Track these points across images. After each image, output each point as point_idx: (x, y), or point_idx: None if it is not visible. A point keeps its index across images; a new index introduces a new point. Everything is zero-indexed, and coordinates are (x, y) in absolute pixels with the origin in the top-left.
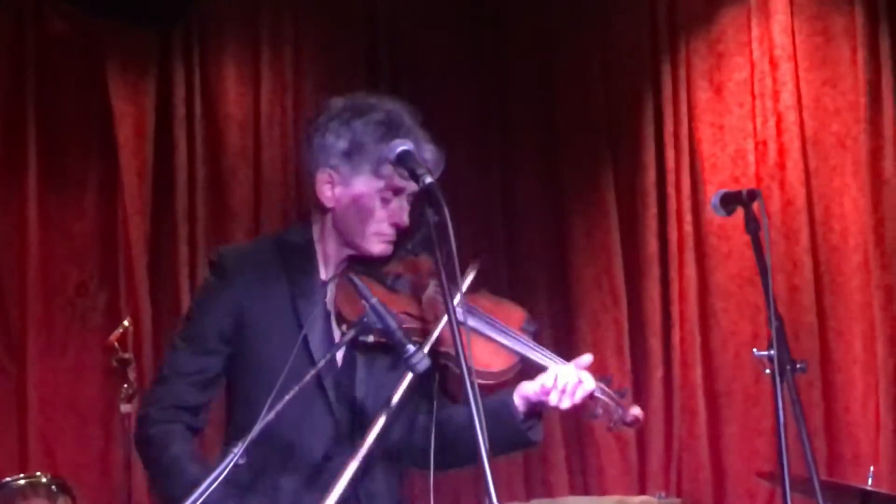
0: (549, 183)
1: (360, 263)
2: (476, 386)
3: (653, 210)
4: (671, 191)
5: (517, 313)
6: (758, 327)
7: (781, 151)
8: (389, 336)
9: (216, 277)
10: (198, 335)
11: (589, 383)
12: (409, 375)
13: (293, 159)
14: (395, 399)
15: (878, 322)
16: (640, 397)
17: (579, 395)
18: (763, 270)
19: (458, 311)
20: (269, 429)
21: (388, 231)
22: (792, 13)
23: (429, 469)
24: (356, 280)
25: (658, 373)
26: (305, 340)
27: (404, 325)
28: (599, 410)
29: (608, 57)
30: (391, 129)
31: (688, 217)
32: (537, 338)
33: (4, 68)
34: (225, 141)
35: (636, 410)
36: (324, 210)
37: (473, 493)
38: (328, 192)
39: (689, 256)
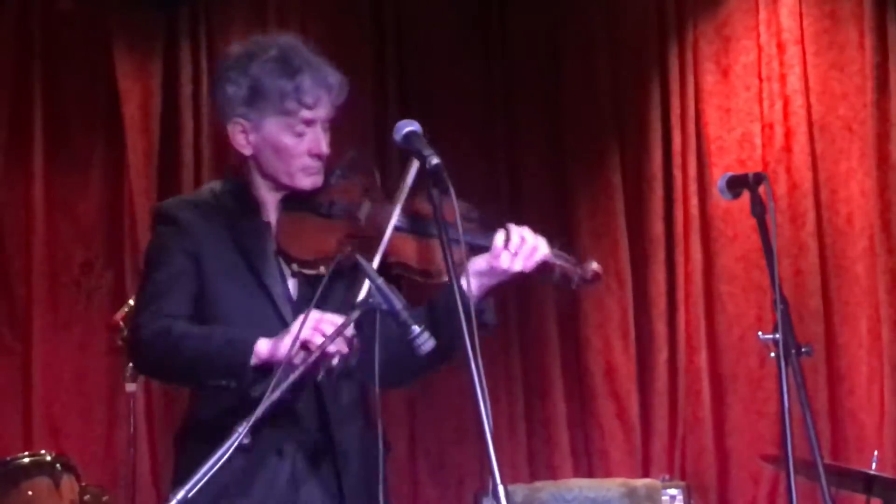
0: (554, 166)
1: (295, 200)
2: (481, 371)
3: (659, 193)
4: (677, 174)
5: (455, 206)
6: (763, 311)
7: (788, 135)
8: (395, 317)
9: (167, 226)
10: (168, 262)
11: (542, 245)
12: (365, 288)
13: None
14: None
15: (884, 306)
16: (644, 380)
17: (535, 258)
18: (769, 254)
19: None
20: None
21: (313, 163)
22: None
23: (386, 385)
24: (361, 260)
25: (663, 356)
26: (261, 282)
27: (351, 242)
28: (557, 275)
29: (615, 40)
30: (287, 63)
31: (694, 200)
32: (485, 224)
33: (11, 48)
34: None
35: (594, 265)
36: (244, 159)
37: (477, 474)
38: (243, 140)
39: (695, 239)
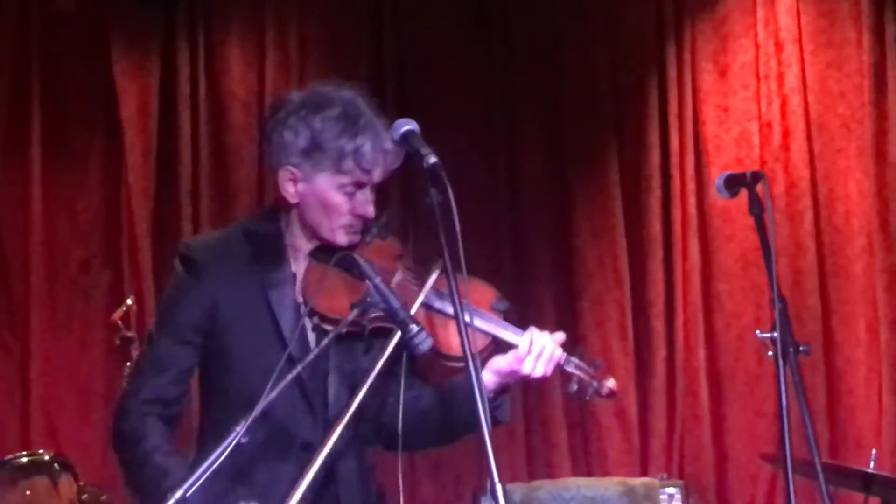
0: (553, 164)
1: (327, 251)
2: (480, 372)
3: (657, 192)
4: (675, 172)
5: (487, 292)
6: (761, 309)
7: (786, 134)
8: (392, 315)
9: (187, 272)
10: (174, 328)
11: (558, 352)
12: (385, 356)
13: None
14: (371, 378)
15: (882, 305)
16: (642, 379)
17: (552, 364)
18: (766, 253)
19: (459, 301)
20: (242, 420)
21: (356, 223)
22: None
23: (397, 450)
24: (359, 259)
25: (661, 354)
26: (279, 332)
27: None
28: (575, 385)
29: (613, 39)
30: (350, 124)
31: (692, 199)
32: (508, 317)
33: (10, 47)
34: (229, 120)
35: (611, 383)
36: (289, 206)
37: (476, 474)
38: (291, 188)
39: (693, 238)
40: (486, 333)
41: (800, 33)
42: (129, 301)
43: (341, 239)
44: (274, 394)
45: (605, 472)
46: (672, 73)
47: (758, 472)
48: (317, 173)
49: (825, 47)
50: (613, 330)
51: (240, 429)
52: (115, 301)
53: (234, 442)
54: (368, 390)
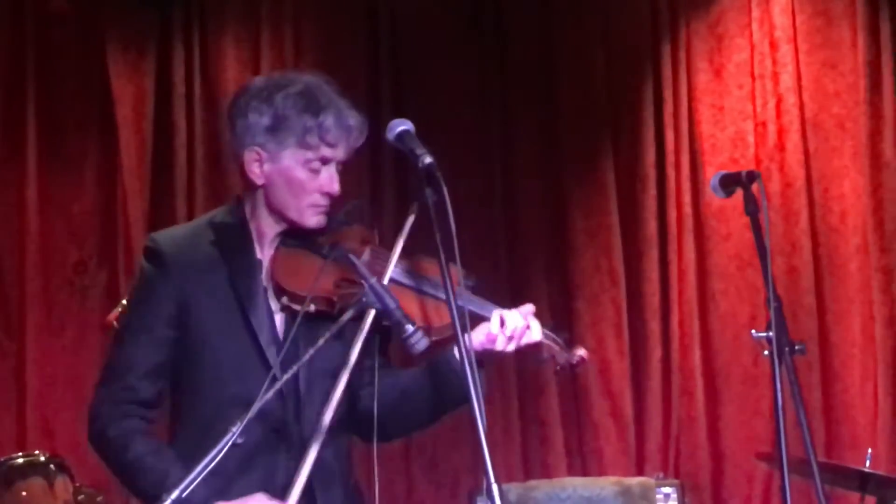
0: (548, 164)
1: (294, 237)
2: (475, 367)
3: (652, 191)
4: (670, 172)
5: (454, 271)
6: (756, 309)
7: (781, 133)
8: (389, 315)
9: (153, 266)
10: (143, 326)
11: (535, 330)
12: (359, 342)
13: None
14: (349, 368)
15: (877, 304)
16: (638, 378)
17: (525, 340)
18: (762, 252)
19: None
20: (215, 411)
21: (322, 202)
22: None
23: (372, 440)
24: (354, 259)
25: (656, 354)
26: (247, 320)
27: (341, 293)
28: (545, 355)
29: (608, 38)
30: (312, 100)
31: (687, 198)
32: (477, 292)
33: (4, 47)
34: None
35: (581, 351)
36: (254, 188)
37: (472, 474)
38: (257, 169)
39: (688, 238)
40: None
41: (795, 33)
42: (124, 302)
43: (309, 220)
44: (269, 394)
45: (601, 472)
46: (667, 72)
47: (754, 472)
48: (282, 151)
49: (820, 47)
50: (609, 329)
51: (235, 430)
52: (110, 302)
53: (230, 443)
54: (348, 378)
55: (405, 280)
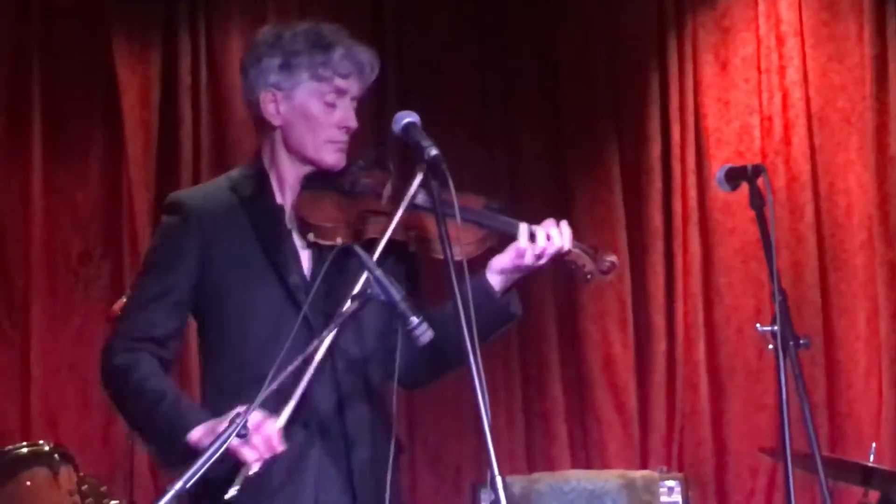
0: (553, 158)
1: (315, 178)
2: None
3: (657, 185)
4: (676, 165)
5: (479, 199)
6: (761, 303)
7: (787, 127)
8: (393, 308)
9: (174, 216)
10: (162, 266)
11: (566, 237)
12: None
13: None
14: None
15: (882, 298)
16: (642, 372)
17: (554, 249)
18: (767, 246)
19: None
20: (246, 360)
21: (340, 137)
22: None
23: (413, 385)
24: (359, 251)
25: (661, 347)
26: (278, 269)
27: (367, 224)
28: (576, 265)
29: (613, 31)
30: (320, 35)
31: (692, 192)
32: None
33: (10, 38)
34: (230, 111)
35: (612, 257)
36: (271, 129)
37: (475, 465)
38: (273, 110)
39: (694, 231)
40: (481, 224)
41: (801, 26)
42: (129, 292)
43: (328, 156)
44: (275, 384)
45: (605, 465)
46: (673, 66)
47: (757, 466)
48: (296, 87)
49: (826, 41)
50: (613, 323)
51: (239, 420)
52: (115, 292)
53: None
54: (372, 332)
55: (427, 204)
